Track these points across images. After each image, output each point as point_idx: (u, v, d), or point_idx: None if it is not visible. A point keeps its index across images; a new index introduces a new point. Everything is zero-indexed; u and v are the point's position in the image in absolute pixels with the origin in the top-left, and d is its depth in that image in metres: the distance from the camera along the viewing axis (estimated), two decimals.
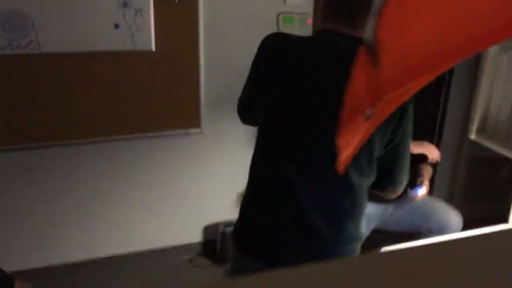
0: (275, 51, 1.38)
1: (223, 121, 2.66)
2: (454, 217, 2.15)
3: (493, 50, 1.71)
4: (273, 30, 2.62)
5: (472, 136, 1.82)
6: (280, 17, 2.62)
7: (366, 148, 1.29)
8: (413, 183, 2.37)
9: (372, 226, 2.38)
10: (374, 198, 2.45)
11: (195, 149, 2.70)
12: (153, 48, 2.37)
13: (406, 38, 1.36)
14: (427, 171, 2.44)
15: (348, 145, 1.55)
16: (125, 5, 2.25)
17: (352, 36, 1.30)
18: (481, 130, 1.78)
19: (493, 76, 1.66)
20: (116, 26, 2.26)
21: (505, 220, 2.17)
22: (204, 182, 2.79)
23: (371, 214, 2.42)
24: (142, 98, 2.47)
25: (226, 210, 2.86)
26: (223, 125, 2.67)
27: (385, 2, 1.43)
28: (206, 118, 2.61)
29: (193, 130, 2.61)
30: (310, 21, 2.67)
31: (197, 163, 2.74)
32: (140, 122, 2.51)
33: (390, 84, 1.41)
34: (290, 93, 1.35)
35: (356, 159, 1.28)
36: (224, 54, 2.58)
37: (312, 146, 1.35)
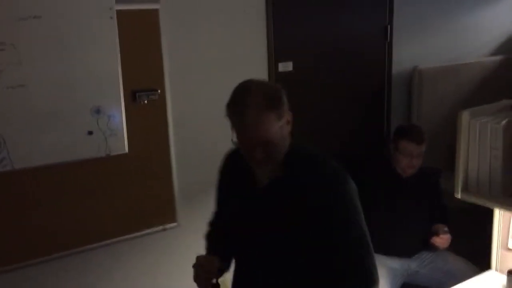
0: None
1: (199, 211, 2.69)
2: (472, 273, 2.26)
3: (464, 117, 1.89)
4: None
5: (458, 195, 1.96)
6: None
7: None
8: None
9: (400, 281, 2.58)
10: (396, 252, 2.56)
11: (173, 243, 2.71)
12: (127, 150, 2.43)
13: None
14: (439, 228, 2.57)
15: None
16: (98, 111, 2.32)
17: None
18: (464, 189, 1.94)
19: (467, 141, 1.87)
20: (90, 133, 2.32)
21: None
22: (188, 274, 2.75)
23: (396, 269, 2.53)
24: (117, 202, 2.48)
25: None
26: (199, 215, 2.71)
27: None
28: (181, 211, 2.65)
29: (169, 225, 2.63)
30: None
31: (176, 257, 2.73)
32: (116, 225, 2.50)
33: None
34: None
35: None
36: (194, 147, 2.69)
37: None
